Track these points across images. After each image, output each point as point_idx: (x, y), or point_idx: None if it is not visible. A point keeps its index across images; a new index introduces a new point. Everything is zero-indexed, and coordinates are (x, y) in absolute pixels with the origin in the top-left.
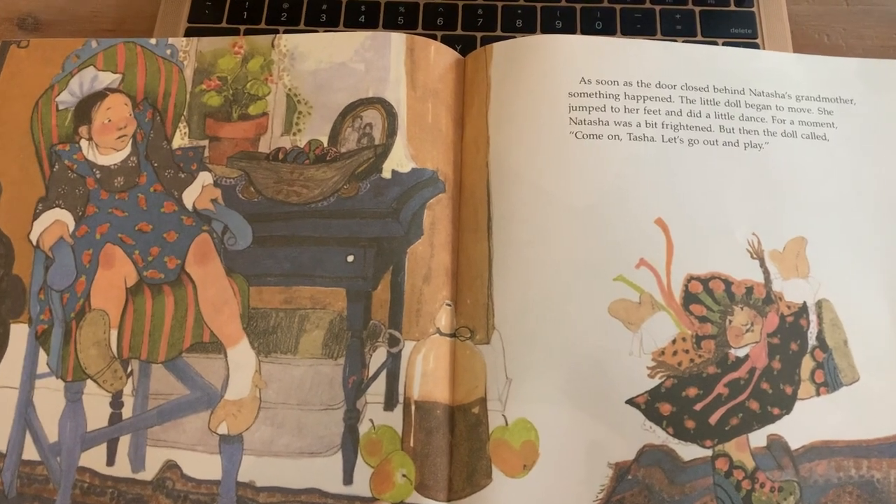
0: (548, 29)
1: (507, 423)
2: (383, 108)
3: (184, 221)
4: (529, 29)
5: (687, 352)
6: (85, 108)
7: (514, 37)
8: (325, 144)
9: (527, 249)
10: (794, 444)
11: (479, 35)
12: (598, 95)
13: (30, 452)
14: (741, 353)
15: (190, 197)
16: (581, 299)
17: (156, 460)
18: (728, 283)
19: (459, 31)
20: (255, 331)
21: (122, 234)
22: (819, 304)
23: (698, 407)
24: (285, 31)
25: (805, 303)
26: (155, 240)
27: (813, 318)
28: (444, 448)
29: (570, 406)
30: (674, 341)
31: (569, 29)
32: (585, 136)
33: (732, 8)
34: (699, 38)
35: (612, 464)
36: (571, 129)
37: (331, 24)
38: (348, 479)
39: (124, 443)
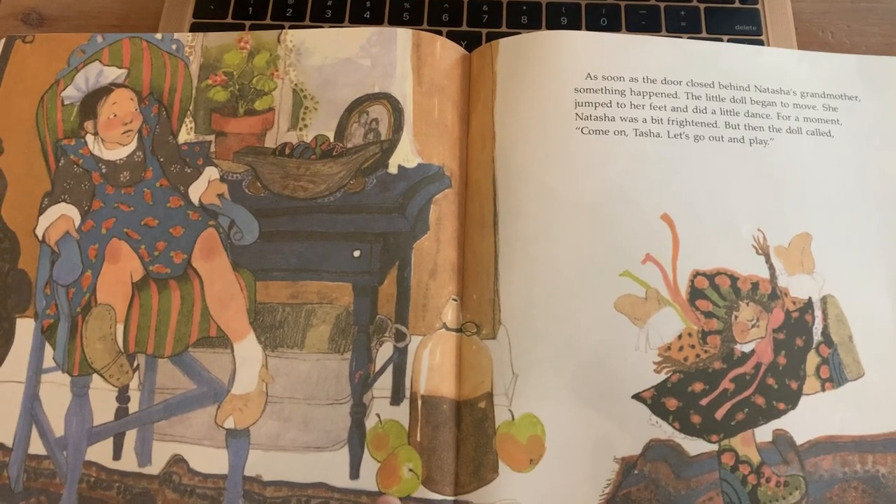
0: (553, 25)
1: (513, 418)
2: (389, 103)
3: (190, 216)
4: (534, 25)
5: (693, 347)
6: (90, 103)
7: (520, 33)
8: (332, 140)
9: (533, 245)
10: (800, 439)
11: (484, 31)
12: (603, 91)
13: (36, 447)
14: (747, 348)
15: (196, 192)
16: (587, 295)
17: (162, 455)
18: (734, 278)
19: (465, 27)
20: (262, 325)
21: (127, 229)
22: (824, 300)
23: (704, 402)
24: (291, 27)
25: (810, 298)
26: (161, 234)
27: (818, 313)
28: (451, 442)
29: (576, 401)
30: (680, 336)
31: (574, 25)
32: (591, 132)
33: (737, 5)
34: (704, 34)
35: (619, 458)
36: (577, 125)
37: (336, 20)
38: (355, 473)
39: (131, 437)
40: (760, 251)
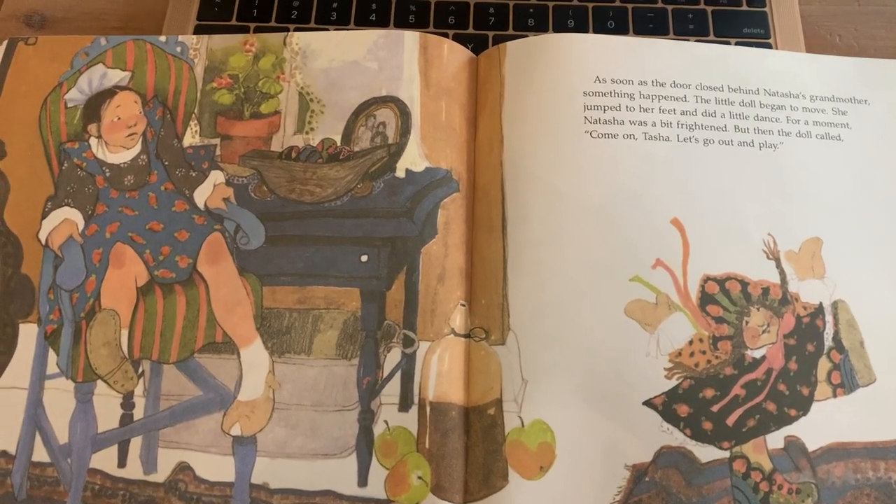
0: (560, 28)
1: (523, 425)
2: (397, 106)
3: (195, 220)
4: (541, 28)
5: (704, 353)
6: (94, 106)
7: (526, 35)
8: (339, 143)
9: (542, 249)
10: (812, 446)
11: (490, 34)
12: (613, 95)
13: (40, 454)
14: (758, 354)
15: (202, 196)
16: (597, 300)
17: (168, 462)
18: (744, 283)
19: (471, 30)
20: (269, 331)
21: (132, 233)
22: (835, 305)
23: (715, 408)
24: (296, 29)
25: (821, 303)
26: (166, 239)
27: (829, 318)
28: (460, 449)
29: (586, 407)
30: (690, 342)
31: (581, 28)
32: (601, 136)
33: (745, 8)
34: (711, 37)
35: (630, 465)
36: (586, 129)
37: (341, 23)
38: (363, 480)
39: (136, 444)
40: (771, 256)
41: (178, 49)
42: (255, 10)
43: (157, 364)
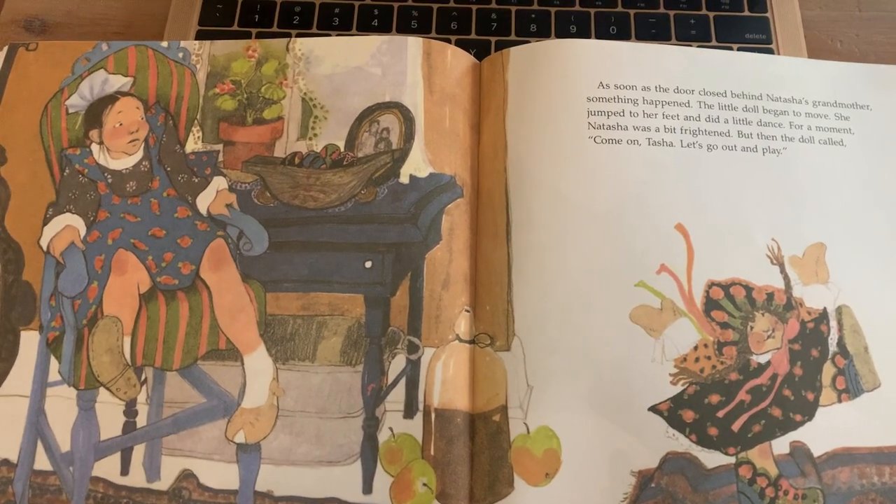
0: (562, 33)
1: (528, 431)
2: (400, 112)
3: (198, 227)
4: (544, 33)
5: (709, 358)
6: (95, 112)
7: (529, 41)
8: (342, 149)
9: (546, 255)
10: (817, 451)
11: (493, 39)
12: (616, 100)
13: (42, 462)
14: (763, 359)
15: (204, 202)
16: (602, 305)
17: (171, 470)
18: (749, 288)
19: (473, 36)
20: (273, 338)
21: (134, 240)
22: (839, 311)
23: (721, 414)
24: (297, 35)
25: (825, 309)
26: (169, 245)
27: (833, 324)
28: (465, 456)
29: (592, 413)
30: (696, 348)
31: (583, 34)
32: (604, 141)
33: (746, 13)
34: (714, 43)
35: (636, 472)
36: (590, 134)
37: (343, 28)
38: (368, 488)
39: (139, 452)
40: (775, 261)
41: (181, 55)
42: (257, 16)
43: (160, 371)
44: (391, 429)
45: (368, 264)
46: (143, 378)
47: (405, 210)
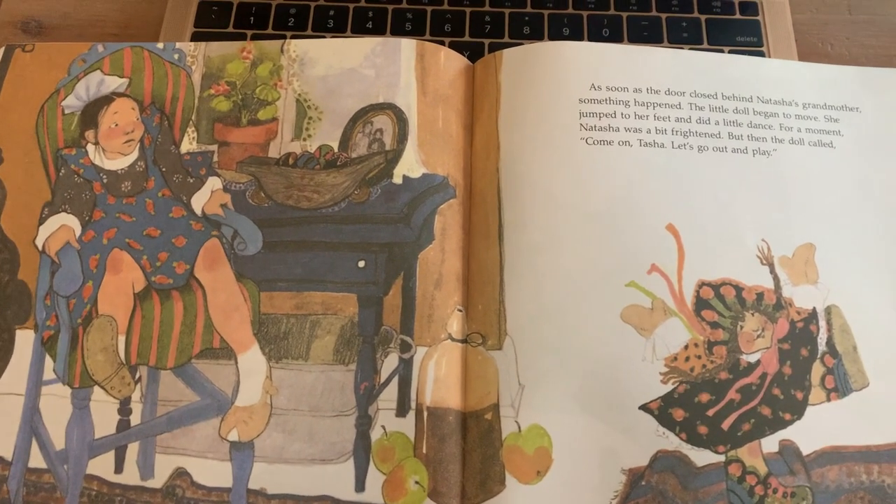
0: (555, 36)
1: (520, 430)
2: (394, 113)
3: (193, 226)
4: (537, 36)
5: (699, 357)
6: (91, 113)
7: (522, 43)
8: (336, 150)
9: (538, 255)
10: (806, 450)
11: (486, 42)
12: (608, 102)
13: (36, 460)
14: (752, 358)
15: (199, 202)
16: (593, 305)
17: (165, 468)
18: (739, 288)
19: (467, 38)
20: (266, 336)
21: (129, 240)
22: (828, 310)
23: (711, 412)
24: (292, 37)
25: (815, 309)
26: (163, 245)
27: (822, 323)
28: (457, 454)
29: (583, 412)
30: (686, 347)
31: (576, 36)
32: (596, 142)
33: (738, 16)
34: (705, 45)
35: (626, 470)
36: (582, 135)
37: (338, 30)
38: (360, 486)
39: (133, 450)
40: (765, 261)
41: (176, 56)
42: (252, 18)
43: (155, 370)
44: (384, 427)
45: (362, 264)
46: (137, 376)
47: (398, 210)
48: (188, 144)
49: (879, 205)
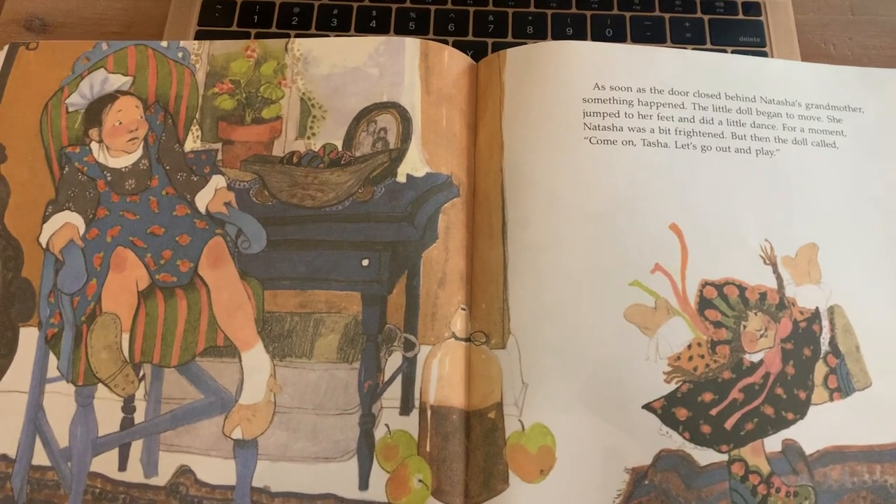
0: (558, 36)
1: (523, 429)
2: (398, 112)
3: (196, 225)
4: (540, 35)
5: (702, 357)
6: (95, 111)
7: (525, 43)
8: (340, 148)
9: (542, 254)
10: (809, 449)
11: (490, 41)
12: (612, 101)
13: (40, 458)
14: (755, 358)
15: (203, 200)
16: (597, 304)
17: (169, 465)
18: (742, 288)
19: (470, 37)
20: (270, 335)
21: (133, 237)
22: (831, 310)
23: (714, 412)
24: (296, 35)
25: (817, 308)
26: (167, 243)
27: (825, 323)
28: (461, 453)
29: (586, 411)
30: (689, 346)
31: (579, 36)
32: (600, 142)
33: (741, 17)
34: (708, 45)
35: (629, 469)
36: (586, 135)
37: (342, 29)
38: (364, 484)
39: (136, 448)
40: (768, 261)
41: (180, 54)
42: (256, 17)
43: (159, 368)
44: (387, 425)
45: (365, 262)
46: (141, 374)
47: (402, 209)
48: (192, 143)
49: (882, 205)
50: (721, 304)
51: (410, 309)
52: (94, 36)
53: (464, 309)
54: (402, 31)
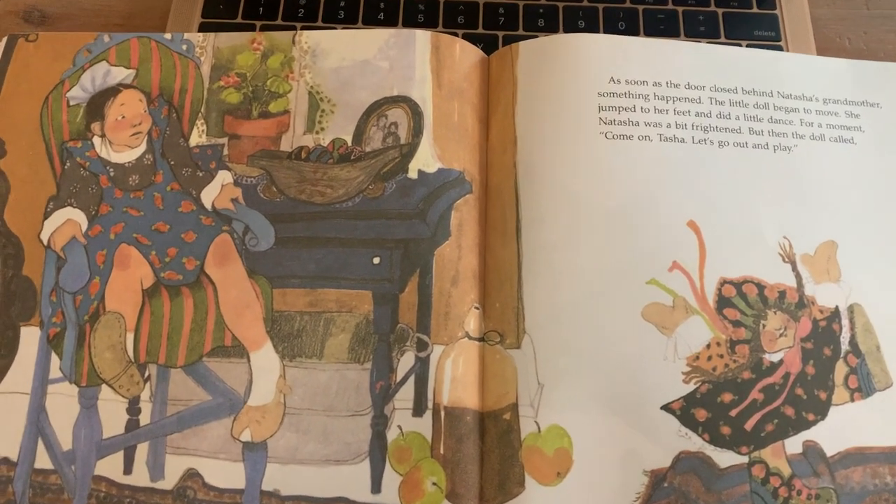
0: (570, 28)
1: (539, 430)
2: (409, 106)
3: (202, 221)
4: (551, 28)
5: (721, 356)
6: (97, 104)
7: (536, 36)
8: (350, 143)
9: (557, 252)
10: (830, 451)
11: (500, 34)
12: (627, 95)
13: (43, 461)
14: (775, 357)
15: (209, 196)
16: (614, 303)
17: (176, 469)
18: (761, 286)
19: (480, 30)
20: (279, 334)
21: (137, 234)
22: (851, 309)
23: (734, 413)
24: (302, 28)
25: (837, 307)
26: (172, 240)
27: (845, 322)
28: (475, 455)
29: (604, 412)
30: (708, 346)
31: (591, 28)
32: (616, 137)
33: (755, 10)
34: (722, 39)
35: (648, 471)
36: (601, 130)
37: (349, 22)
38: (376, 487)
39: (142, 450)
40: (787, 259)
41: (184, 47)
42: (261, 9)
43: (164, 368)
44: (400, 427)
45: (376, 260)
46: (146, 375)
47: (413, 206)
48: (197, 137)
49: None
50: (740, 302)
51: (423, 308)
52: (94, 28)
53: (477, 308)
54: (410, 23)
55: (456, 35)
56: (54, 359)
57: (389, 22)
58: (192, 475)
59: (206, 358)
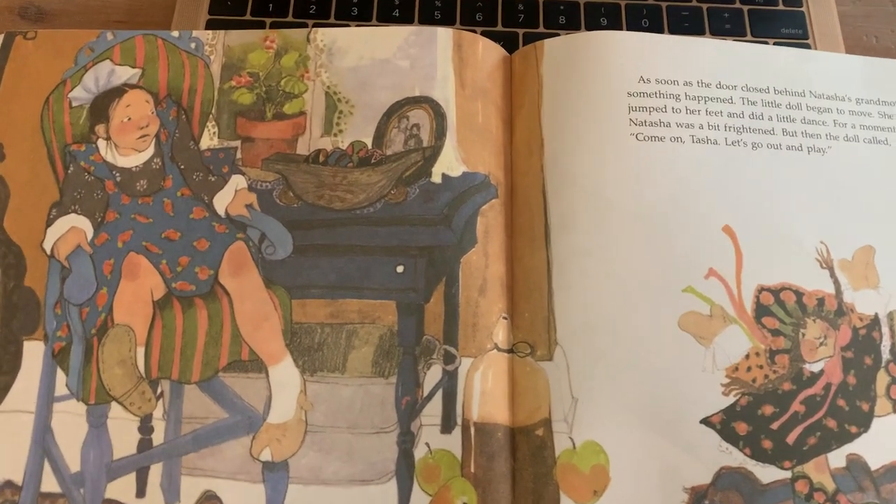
0: (592, 26)
1: (574, 446)
2: (431, 107)
3: (216, 228)
4: (573, 26)
5: (761, 367)
6: (101, 106)
7: (558, 34)
8: (370, 146)
9: (588, 259)
10: (874, 464)
11: (520, 32)
12: (658, 95)
13: (49, 484)
14: (816, 368)
15: (222, 202)
16: (649, 312)
17: (192, 491)
18: (799, 294)
19: (500, 28)
20: (299, 348)
21: (146, 243)
22: (891, 316)
23: (775, 426)
24: (314, 25)
25: (876, 314)
26: (184, 248)
27: (885, 330)
28: (507, 473)
29: (641, 427)
30: (747, 356)
31: (613, 26)
32: (647, 138)
33: (781, 7)
34: (748, 37)
35: (688, 488)
36: (632, 131)
37: (362, 19)
38: None
39: (156, 472)
40: (825, 265)
41: (193, 45)
42: (271, 5)
43: (178, 384)
44: (428, 444)
45: (400, 269)
46: (158, 392)
47: (438, 211)
48: (208, 140)
49: None
50: (779, 310)
51: (450, 318)
52: (95, 25)
53: (505, 318)
54: (426, 20)
55: (474, 32)
56: (60, 375)
57: (405, 19)
58: (209, 497)
59: (222, 373)
